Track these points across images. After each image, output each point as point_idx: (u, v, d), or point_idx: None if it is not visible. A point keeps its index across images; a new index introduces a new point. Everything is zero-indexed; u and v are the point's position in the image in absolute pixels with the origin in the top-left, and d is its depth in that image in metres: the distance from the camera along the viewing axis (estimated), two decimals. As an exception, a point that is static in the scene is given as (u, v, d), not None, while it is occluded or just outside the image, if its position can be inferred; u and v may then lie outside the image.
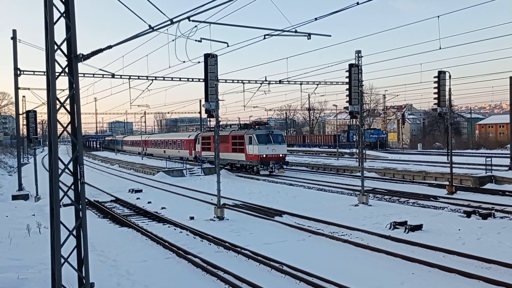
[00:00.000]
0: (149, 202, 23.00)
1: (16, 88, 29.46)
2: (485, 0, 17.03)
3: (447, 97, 23.01)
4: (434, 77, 22.75)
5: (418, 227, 14.94)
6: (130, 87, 30.30)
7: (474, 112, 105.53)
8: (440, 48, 20.12)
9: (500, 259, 11.18)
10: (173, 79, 30.52)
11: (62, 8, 7.49)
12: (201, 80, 29.81)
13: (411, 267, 11.09)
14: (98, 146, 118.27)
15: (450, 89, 24.17)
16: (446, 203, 19.96)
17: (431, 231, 14.81)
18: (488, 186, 25.29)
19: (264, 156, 34.39)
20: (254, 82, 33.53)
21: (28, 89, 33.52)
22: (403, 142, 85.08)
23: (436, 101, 22.72)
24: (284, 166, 35.53)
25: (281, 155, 35.30)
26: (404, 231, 14.73)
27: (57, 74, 7.55)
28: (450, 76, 23.23)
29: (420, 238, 13.65)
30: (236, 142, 37.15)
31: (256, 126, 37.07)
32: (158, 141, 62.63)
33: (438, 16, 17.98)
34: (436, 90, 22.68)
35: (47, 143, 8.55)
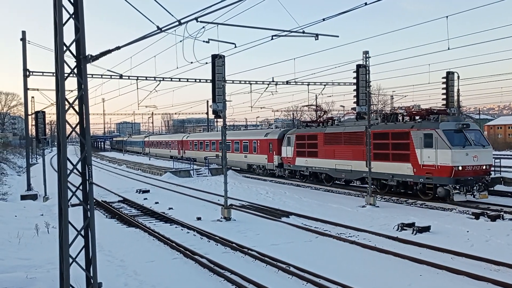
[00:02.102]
0: (157, 203, 23.07)
1: (25, 89, 29.70)
2: (494, 0, 16.89)
3: (455, 97, 22.88)
4: (443, 77, 22.63)
5: (426, 229, 14.85)
6: (138, 88, 30.45)
7: (482, 113, 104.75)
8: (448, 49, 19.99)
9: (509, 261, 11.07)
10: (181, 80, 30.60)
11: (71, 9, 7.54)
12: (209, 81, 29.93)
13: (419, 268, 11.03)
14: (105, 146, 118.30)
15: (458, 89, 24.08)
16: (454, 205, 19.81)
17: (439, 232, 14.71)
18: (497, 187, 25.07)
19: (461, 168, 19.89)
20: (261, 82, 33.53)
21: (37, 90, 33.90)
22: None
23: (444, 102, 22.59)
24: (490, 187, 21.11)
25: (485, 167, 20.83)
26: (412, 233, 14.65)
27: (66, 75, 7.60)
28: (458, 77, 23.08)
29: (428, 240, 13.57)
30: (388, 145, 22.78)
31: (436, 116, 21.76)
32: (207, 142, 47.41)
33: (447, 16, 17.87)
34: (444, 91, 22.55)
35: (55, 143, 8.60)
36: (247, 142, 38.08)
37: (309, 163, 28.87)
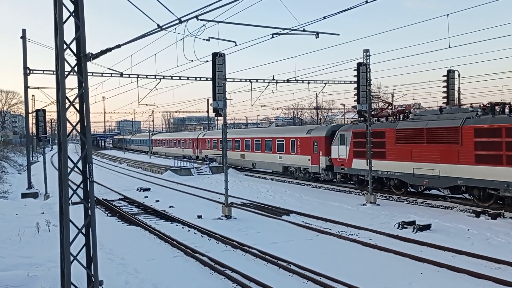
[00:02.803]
0: (157, 201, 23.09)
1: (26, 87, 29.72)
2: (495, -2, 16.81)
3: (456, 96, 22.85)
4: (443, 76, 22.62)
5: (427, 227, 14.86)
6: (138, 86, 30.41)
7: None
8: (449, 47, 19.91)
9: (509, 259, 11.09)
10: (181, 78, 30.56)
11: (71, 7, 7.53)
12: (209, 79, 29.91)
13: (420, 267, 11.04)
14: (106, 145, 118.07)
15: (459, 88, 23.97)
16: (455, 203, 19.80)
17: (439, 231, 14.72)
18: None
19: None
20: (261, 81, 33.47)
21: (38, 88, 33.90)
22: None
23: (445, 100, 22.57)
24: None
25: None
26: (413, 231, 14.66)
27: (66, 73, 7.59)
28: (459, 75, 23.06)
29: (429, 238, 13.58)
30: (501, 144, 17.33)
31: None
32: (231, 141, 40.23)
33: (448, 15, 17.81)
34: (445, 89, 22.53)
35: (56, 141, 8.61)
36: (282, 141, 32.86)
37: (373, 165, 22.58)
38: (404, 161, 21.61)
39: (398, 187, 22.91)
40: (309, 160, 29.60)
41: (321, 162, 28.28)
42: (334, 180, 27.23)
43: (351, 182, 26.47)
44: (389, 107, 27.56)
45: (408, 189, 22.74)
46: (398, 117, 23.62)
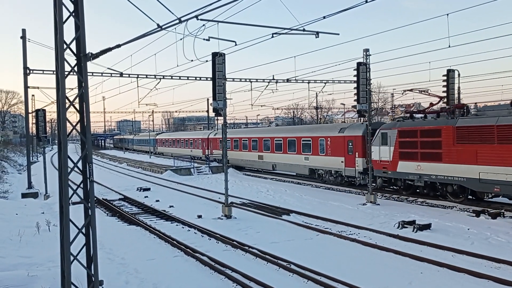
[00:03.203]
0: (157, 201, 23.09)
1: (26, 87, 29.71)
2: (495, -2, 16.82)
3: (456, 95, 22.83)
4: (443, 75, 22.61)
5: (427, 227, 14.86)
6: (138, 86, 30.44)
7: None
8: (449, 46, 19.94)
9: (509, 258, 11.10)
10: (181, 78, 30.60)
11: (71, 7, 7.53)
12: (209, 79, 29.92)
13: (420, 266, 11.04)
14: (106, 145, 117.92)
15: (459, 87, 23.96)
16: (454, 202, 19.81)
17: (439, 230, 14.72)
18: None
19: None
20: (261, 80, 33.51)
21: (38, 88, 33.91)
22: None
23: (445, 99, 22.55)
24: None
25: None
26: (413, 231, 14.66)
27: (66, 73, 7.59)
28: (459, 75, 23.05)
29: (429, 238, 13.59)
30: None
31: None
32: (246, 140, 37.05)
33: (448, 14, 17.84)
34: (445, 89, 22.53)
35: (56, 141, 8.61)
36: (309, 140, 29.70)
37: (424, 169, 20.48)
38: (467, 164, 18.79)
39: (455, 194, 20.11)
40: (342, 162, 26.68)
41: (357, 165, 25.42)
42: (374, 184, 22.95)
43: (395, 187, 23.66)
44: (441, 101, 23.18)
45: (470, 197, 20.03)
46: (453, 113, 20.69)
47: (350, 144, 26.07)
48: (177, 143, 57.77)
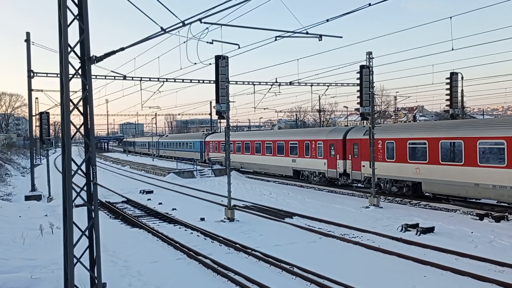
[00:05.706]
0: (160, 203, 23.10)
1: (30, 89, 29.84)
2: (498, 1, 16.84)
3: (459, 98, 22.83)
4: (447, 78, 22.61)
5: (430, 230, 14.82)
6: (141, 89, 30.59)
7: (486, 113, 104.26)
8: (452, 49, 19.92)
9: (513, 262, 11.04)
10: (184, 80, 30.66)
11: (75, 10, 7.57)
12: (212, 81, 29.93)
13: (423, 269, 11.00)
14: (109, 147, 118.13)
15: (462, 90, 23.98)
16: (458, 206, 19.75)
17: (443, 233, 14.67)
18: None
19: None
20: (264, 83, 33.57)
21: (41, 91, 33.91)
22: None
23: (448, 102, 22.55)
24: None
25: None
26: (416, 234, 14.62)
27: (70, 76, 7.63)
28: (462, 78, 23.08)
29: (432, 241, 13.54)
30: None
31: None
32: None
33: (451, 17, 17.84)
34: (448, 92, 22.52)
35: (59, 144, 8.63)
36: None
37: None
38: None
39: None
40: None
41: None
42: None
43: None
44: None
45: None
46: None
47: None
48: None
